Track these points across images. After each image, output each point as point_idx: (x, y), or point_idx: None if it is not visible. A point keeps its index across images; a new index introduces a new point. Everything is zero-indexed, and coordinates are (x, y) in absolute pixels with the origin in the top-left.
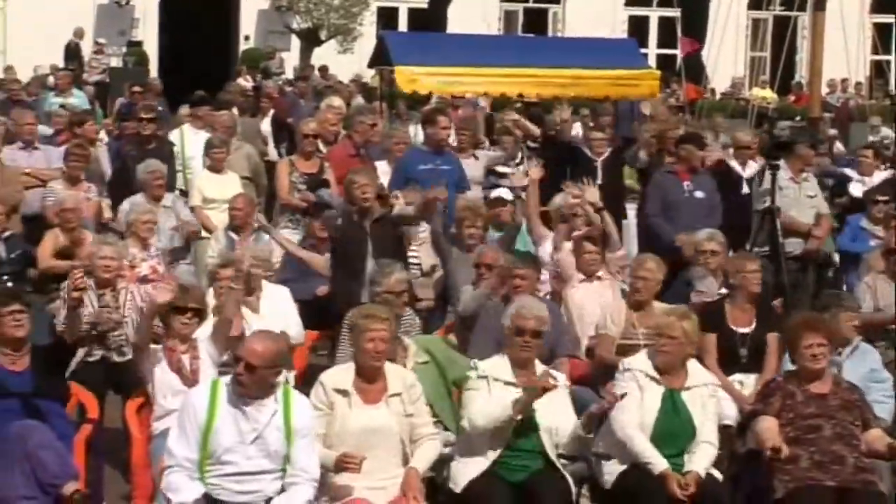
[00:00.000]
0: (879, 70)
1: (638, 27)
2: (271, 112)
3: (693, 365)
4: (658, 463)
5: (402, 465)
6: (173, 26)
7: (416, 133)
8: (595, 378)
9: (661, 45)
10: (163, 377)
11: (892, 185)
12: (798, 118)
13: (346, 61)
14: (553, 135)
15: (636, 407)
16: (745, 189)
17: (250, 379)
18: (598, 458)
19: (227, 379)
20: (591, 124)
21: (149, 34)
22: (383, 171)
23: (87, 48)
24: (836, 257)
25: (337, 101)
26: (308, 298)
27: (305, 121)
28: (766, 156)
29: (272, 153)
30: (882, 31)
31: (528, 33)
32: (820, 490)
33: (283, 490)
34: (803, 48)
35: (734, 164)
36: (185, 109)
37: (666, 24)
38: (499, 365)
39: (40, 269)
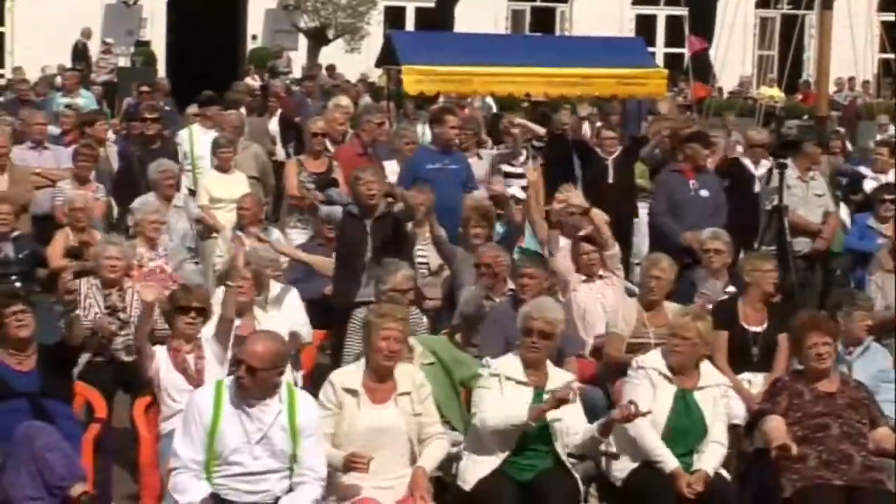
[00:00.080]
0: (887, 68)
1: (645, 26)
2: (279, 112)
3: (705, 365)
4: (669, 462)
5: (409, 465)
6: (181, 26)
7: (424, 132)
8: (603, 377)
9: (668, 43)
10: (168, 377)
11: None
12: (806, 117)
13: (354, 60)
14: (560, 134)
15: (648, 404)
16: (757, 188)
17: (252, 381)
18: (608, 456)
19: (230, 379)
20: (600, 123)
21: (156, 34)
22: (392, 170)
23: (94, 48)
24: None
25: (344, 101)
26: (315, 298)
27: (313, 120)
28: (773, 154)
29: (280, 153)
30: (890, 30)
31: (535, 32)
32: (828, 489)
33: (290, 489)
34: (811, 47)
35: (747, 162)
36: (193, 109)
37: (673, 22)
38: (511, 364)
39: (51, 269)
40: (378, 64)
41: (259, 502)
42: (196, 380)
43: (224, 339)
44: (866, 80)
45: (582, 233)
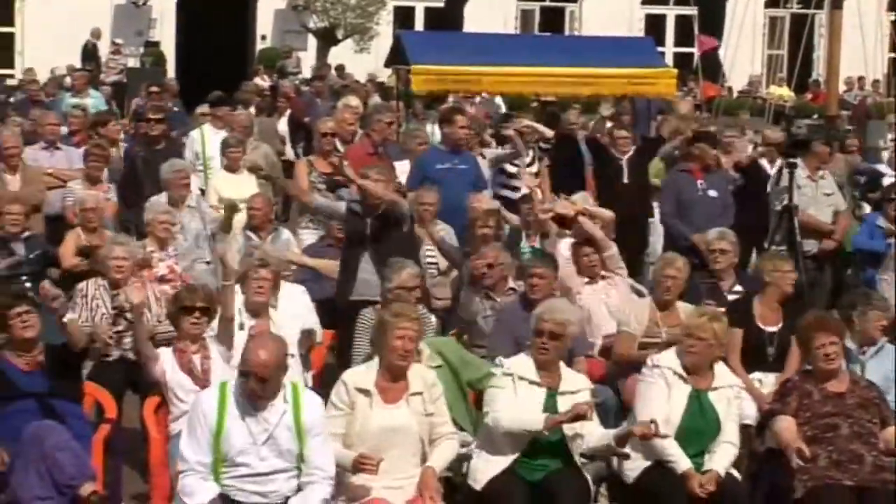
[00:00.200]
0: None
1: (655, 25)
2: (288, 112)
3: (720, 366)
4: (681, 462)
5: (420, 465)
6: (190, 26)
7: (433, 132)
8: (613, 376)
9: (678, 43)
10: (174, 378)
11: None
12: (815, 116)
13: (363, 61)
14: (568, 133)
15: (662, 403)
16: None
17: (263, 388)
18: (620, 456)
19: (234, 381)
20: (610, 123)
21: (166, 34)
22: (404, 170)
23: (104, 49)
24: None
25: (354, 101)
26: (324, 298)
27: (323, 120)
28: (783, 154)
29: (289, 153)
30: None
31: (544, 32)
32: (839, 490)
33: (299, 489)
34: (821, 46)
35: (763, 162)
36: (203, 109)
37: (683, 22)
38: (524, 364)
39: (64, 268)
40: (387, 64)
41: (268, 503)
42: (202, 380)
43: (226, 338)
44: (876, 80)
45: (577, 238)
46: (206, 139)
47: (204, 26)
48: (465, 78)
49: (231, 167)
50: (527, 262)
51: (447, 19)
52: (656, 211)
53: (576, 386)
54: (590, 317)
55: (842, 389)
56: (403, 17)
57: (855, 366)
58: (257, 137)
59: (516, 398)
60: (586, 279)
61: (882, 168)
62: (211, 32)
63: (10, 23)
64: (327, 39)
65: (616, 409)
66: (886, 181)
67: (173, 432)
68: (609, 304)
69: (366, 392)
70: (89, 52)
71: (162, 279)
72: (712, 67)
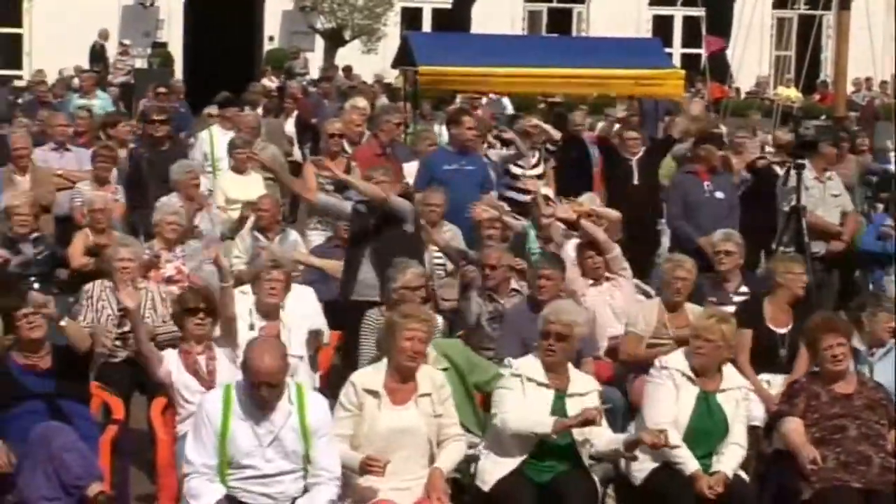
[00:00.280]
0: None
1: (662, 27)
2: (295, 113)
3: (728, 368)
4: (690, 464)
5: (428, 466)
6: (198, 27)
7: (441, 133)
8: (620, 377)
9: (685, 44)
10: (180, 379)
11: None
12: (823, 117)
13: (370, 62)
14: (574, 134)
15: (670, 405)
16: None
17: (273, 394)
18: (628, 458)
19: (238, 383)
20: (619, 125)
21: (173, 35)
22: (413, 171)
23: (112, 50)
24: None
25: (362, 102)
26: (331, 299)
27: (330, 121)
28: (791, 155)
29: (297, 154)
30: None
31: (552, 33)
32: (846, 491)
33: (306, 490)
34: (828, 47)
35: (769, 159)
36: (212, 110)
37: (690, 23)
38: (532, 365)
39: (72, 269)
40: (395, 65)
41: None
42: (208, 381)
43: (228, 339)
44: (884, 81)
45: (581, 240)
46: (214, 140)
47: (211, 27)
48: (472, 79)
49: (238, 168)
50: (535, 263)
51: (454, 20)
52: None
53: (584, 388)
54: (594, 318)
55: (849, 391)
56: (411, 18)
57: (863, 367)
58: (265, 138)
59: (524, 400)
60: (591, 281)
61: (893, 168)
62: (218, 33)
63: (19, 24)
64: (335, 40)
65: (624, 410)
66: None
67: (180, 433)
68: (613, 306)
69: (374, 393)
70: (97, 54)
71: (169, 280)
72: (720, 68)
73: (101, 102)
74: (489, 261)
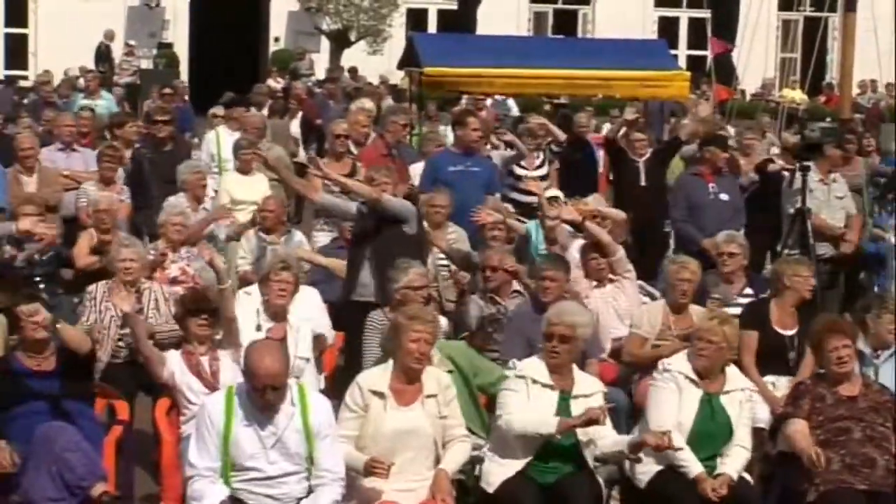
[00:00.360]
0: None
1: (668, 28)
2: (300, 114)
3: (731, 369)
4: (693, 467)
5: (433, 467)
6: (203, 28)
7: (446, 134)
8: (624, 379)
9: (691, 46)
10: (183, 380)
11: None
12: (828, 119)
13: (376, 62)
14: (580, 136)
15: (673, 408)
16: None
17: (277, 396)
18: (632, 460)
19: (240, 386)
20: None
21: (179, 36)
22: (419, 173)
23: (117, 50)
24: None
25: (368, 104)
26: (335, 300)
27: (336, 122)
28: (796, 157)
29: (302, 155)
30: None
31: (557, 34)
32: (851, 493)
33: (310, 491)
34: (834, 49)
35: (781, 164)
36: (217, 111)
37: (696, 25)
38: (536, 367)
39: (78, 268)
40: (400, 66)
41: None
42: (211, 382)
43: (230, 339)
44: (889, 83)
45: (585, 242)
46: (221, 141)
47: (217, 28)
48: (477, 80)
49: (243, 169)
50: (539, 264)
51: (460, 21)
52: None
53: (589, 389)
54: (598, 320)
55: (854, 393)
56: (416, 19)
57: (869, 369)
58: (270, 139)
59: (529, 401)
60: (594, 283)
61: None
62: (224, 34)
63: (24, 24)
64: (340, 41)
65: (628, 411)
66: None
67: (185, 434)
68: (617, 308)
69: (380, 394)
70: (102, 54)
71: (174, 281)
72: (725, 70)
73: (105, 103)
74: (490, 262)
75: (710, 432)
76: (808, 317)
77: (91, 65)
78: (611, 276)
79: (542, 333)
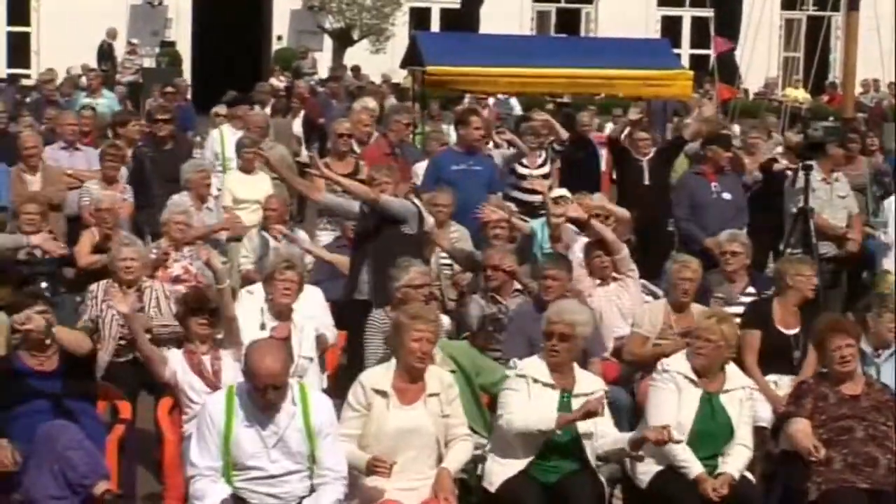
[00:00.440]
0: None
1: (671, 27)
2: (302, 112)
3: (731, 368)
4: (693, 467)
5: (435, 466)
6: (206, 26)
7: (449, 132)
8: (626, 377)
9: (694, 45)
10: (185, 379)
11: None
12: (831, 118)
13: (379, 61)
14: (583, 135)
15: (673, 409)
16: None
17: (278, 395)
18: (633, 459)
19: (241, 385)
20: (629, 127)
21: (182, 34)
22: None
23: (120, 49)
24: None
25: (372, 103)
26: (338, 299)
27: (339, 121)
28: (799, 156)
29: (304, 154)
30: None
31: (560, 33)
32: (853, 492)
33: (312, 489)
34: (837, 48)
35: (786, 164)
36: (220, 109)
37: (699, 24)
38: (537, 366)
39: (80, 267)
40: (403, 65)
41: None
42: (213, 381)
43: (230, 338)
44: (892, 82)
45: (590, 239)
46: (225, 140)
47: (220, 26)
48: (480, 79)
49: (246, 168)
50: (541, 263)
51: (463, 20)
52: None
53: (590, 387)
54: (601, 318)
55: (857, 392)
56: (419, 18)
57: (870, 368)
58: (272, 138)
59: (530, 400)
60: (598, 281)
61: None
62: (227, 32)
63: (26, 23)
64: (343, 40)
65: (630, 410)
66: None
67: (187, 433)
68: (620, 307)
69: (383, 393)
70: (105, 53)
71: (177, 279)
72: (728, 69)
73: (106, 101)
74: (491, 261)
75: (711, 432)
76: (810, 316)
77: (94, 63)
78: (614, 274)
79: (541, 332)
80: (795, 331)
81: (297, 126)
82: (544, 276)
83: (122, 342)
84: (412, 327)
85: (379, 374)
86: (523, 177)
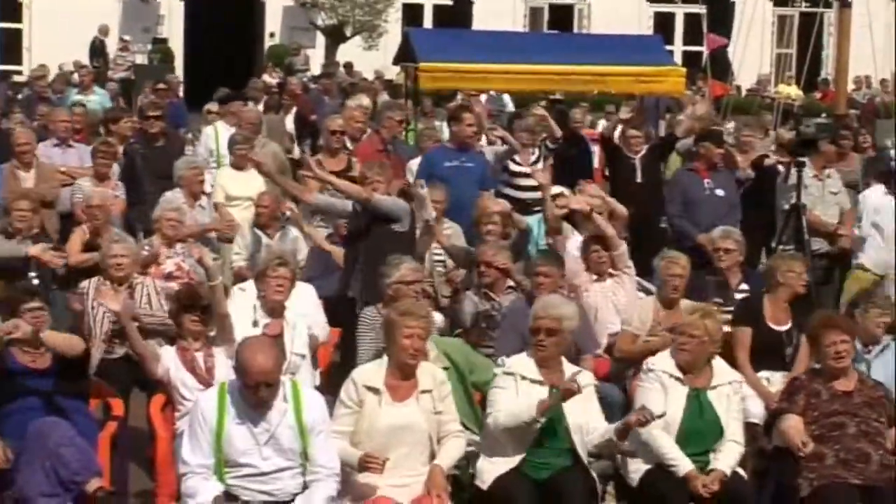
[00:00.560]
0: None
1: (663, 24)
2: (294, 109)
3: (718, 363)
4: (682, 465)
5: (427, 463)
6: (198, 23)
7: (442, 129)
8: (618, 374)
9: (686, 41)
10: (178, 376)
11: None
12: (824, 115)
13: (371, 58)
14: (575, 132)
15: (660, 407)
16: None
17: (270, 392)
18: (625, 455)
19: (233, 383)
20: (621, 125)
21: (174, 31)
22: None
23: (112, 45)
24: None
25: (365, 100)
26: (331, 295)
27: (332, 118)
28: (791, 153)
29: (296, 151)
30: None
31: (553, 30)
32: (845, 488)
33: (305, 486)
34: (829, 45)
35: (776, 159)
36: (212, 106)
37: (692, 20)
38: (524, 362)
39: (70, 264)
40: (396, 61)
41: (274, 501)
42: (206, 378)
43: (223, 335)
44: (884, 79)
45: (588, 234)
46: (219, 136)
47: (212, 23)
48: (473, 75)
49: (238, 165)
50: (533, 259)
51: (455, 17)
52: None
53: (580, 382)
54: (597, 314)
55: (849, 388)
56: (412, 14)
57: (860, 365)
58: (265, 135)
59: (518, 398)
60: (594, 276)
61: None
62: (219, 29)
63: (18, 19)
64: (335, 37)
65: (622, 406)
66: None
67: (179, 430)
68: (616, 303)
69: (375, 390)
70: (97, 49)
71: (169, 276)
72: (721, 66)
73: (97, 98)
74: (484, 257)
75: (699, 429)
76: (801, 312)
77: (86, 60)
78: (611, 270)
79: (529, 327)
80: (787, 327)
81: (290, 123)
82: (536, 273)
83: (115, 339)
84: (403, 324)
85: (371, 371)
86: (516, 174)
